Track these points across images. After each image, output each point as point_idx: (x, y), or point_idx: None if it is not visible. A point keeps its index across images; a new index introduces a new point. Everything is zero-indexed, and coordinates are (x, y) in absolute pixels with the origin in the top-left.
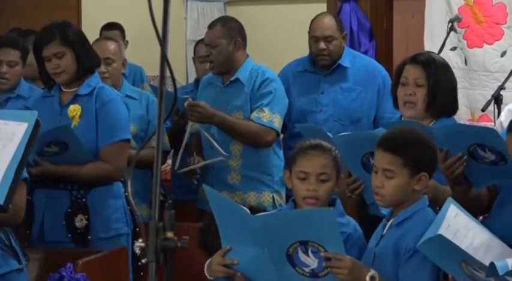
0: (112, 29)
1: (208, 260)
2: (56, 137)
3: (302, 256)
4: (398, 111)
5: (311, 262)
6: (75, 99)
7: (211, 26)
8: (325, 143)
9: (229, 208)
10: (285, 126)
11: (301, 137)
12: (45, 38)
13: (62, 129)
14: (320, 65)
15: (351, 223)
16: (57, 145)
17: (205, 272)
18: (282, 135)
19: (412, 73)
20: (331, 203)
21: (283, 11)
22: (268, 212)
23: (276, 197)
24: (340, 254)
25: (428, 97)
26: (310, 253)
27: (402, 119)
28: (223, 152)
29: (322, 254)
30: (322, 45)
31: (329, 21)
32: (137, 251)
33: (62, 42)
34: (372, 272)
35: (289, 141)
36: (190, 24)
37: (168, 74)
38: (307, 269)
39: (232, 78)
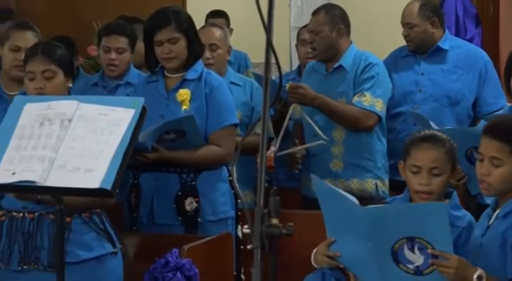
0: (217, 17)
1: (315, 249)
2: (177, 126)
3: (407, 253)
4: (502, 96)
5: (416, 258)
6: (184, 83)
7: (315, 13)
8: (439, 134)
9: (337, 199)
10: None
11: (401, 118)
12: (159, 22)
13: (186, 120)
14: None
15: (467, 217)
16: (175, 132)
17: (312, 260)
18: None
19: None
20: (447, 196)
21: None
22: (378, 205)
23: (379, 183)
24: (448, 253)
25: None
26: (416, 249)
27: None
28: (324, 137)
29: (429, 251)
30: (404, 31)
31: (409, 8)
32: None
33: (177, 28)
34: (479, 271)
35: (389, 122)
36: (294, 11)
37: (273, 60)
38: (411, 267)
39: (336, 65)
